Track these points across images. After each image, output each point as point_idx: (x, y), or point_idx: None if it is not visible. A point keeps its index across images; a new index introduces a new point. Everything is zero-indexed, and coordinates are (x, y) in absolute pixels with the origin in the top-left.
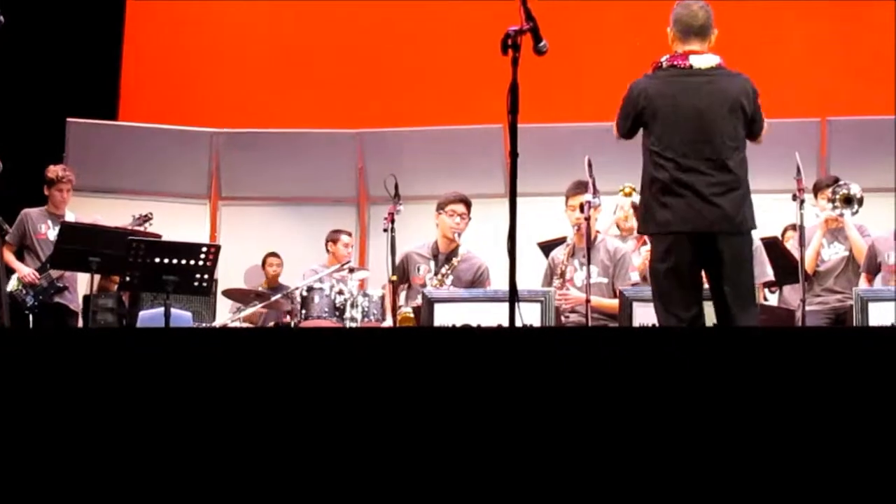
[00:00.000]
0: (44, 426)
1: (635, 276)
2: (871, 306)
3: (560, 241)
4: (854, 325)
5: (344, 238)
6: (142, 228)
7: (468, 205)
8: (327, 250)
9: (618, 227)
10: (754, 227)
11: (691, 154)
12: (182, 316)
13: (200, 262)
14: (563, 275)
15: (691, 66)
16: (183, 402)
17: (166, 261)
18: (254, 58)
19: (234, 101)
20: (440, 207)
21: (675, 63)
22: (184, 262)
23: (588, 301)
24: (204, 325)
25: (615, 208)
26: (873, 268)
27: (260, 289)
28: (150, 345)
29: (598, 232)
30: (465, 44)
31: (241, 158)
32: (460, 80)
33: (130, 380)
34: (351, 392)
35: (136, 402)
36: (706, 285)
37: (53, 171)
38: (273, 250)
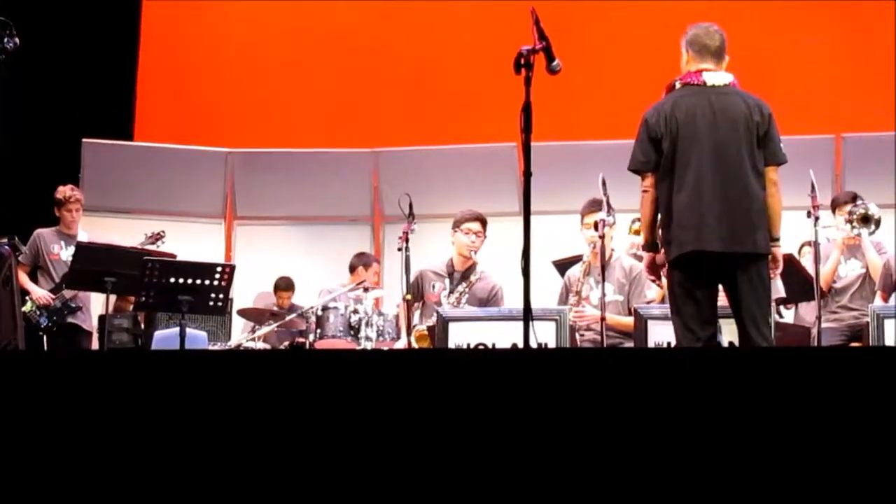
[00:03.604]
0: (61, 447)
1: (651, 294)
2: (887, 323)
3: (575, 260)
4: (870, 341)
5: (375, 266)
6: (154, 247)
7: (484, 223)
8: (351, 271)
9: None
10: (768, 250)
11: (708, 174)
12: (197, 336)
13: (215, 282)
14: (578, 293)
15: (705, 83)
16: (197, 423)
17: (181, 281)
18: (269, 78)
19: (249, 121)
20: (456, 225)
21: (689, 81)
22: (199, 281)
23: (603, 319)
24: (219, 344)
25: (629, 246)
26: (889, 285)
27: (275, 308)
28: (165, 367)
29: (613, 250)
30: (479, 63)
31: (256, 178)
32: (474, 99)
33: (145, 402)
34: (366, 414)
35: (151, 424)
36: (723, 303)
37: (62, 191)
38: (286, 276)
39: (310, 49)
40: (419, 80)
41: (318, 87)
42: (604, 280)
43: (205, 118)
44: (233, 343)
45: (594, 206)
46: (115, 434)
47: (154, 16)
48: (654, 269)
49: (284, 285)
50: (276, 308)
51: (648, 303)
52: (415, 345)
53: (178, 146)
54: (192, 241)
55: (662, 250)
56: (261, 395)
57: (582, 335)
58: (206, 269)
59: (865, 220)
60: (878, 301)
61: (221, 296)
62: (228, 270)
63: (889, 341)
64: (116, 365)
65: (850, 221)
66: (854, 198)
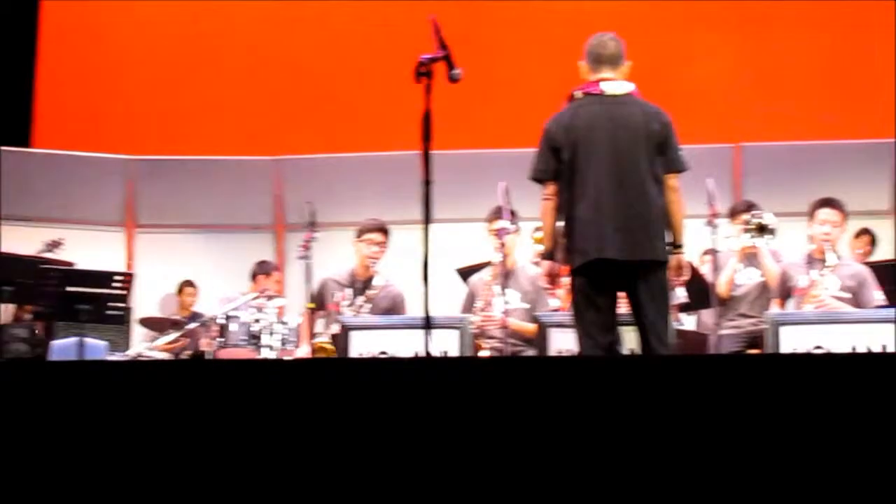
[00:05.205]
0: None
1: (555, 303)
2: (783, 330)
3: (479, 267)
4: (766, 348)
5: (276, 274)
6: (52, 254)
7: (386, 233)
8: (252, 280)
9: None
10: (667, 258)
11: (608, 183)
12: (96, 346)
13: (114, 291)
14: (487, 298)
15: (603, 93)
16: (93, 435)
17: (79, 289)
18: (170, 85)
19: (150, 127)
20: (358, 235)
21: (588, 91)
22: (97, 290)
23: (504, 326)
24: (117, 354)
25: (532, 255)
26: (785, 292)
27: (176, 317)
28: (62, 378)
29: (516, 259)
30: (382, 70)
31: (158, 186)
32: (377, 107)
33: (42, 413)
34: (266, 423)
35: (46, 436)
36: (624, 311)
37: None
38: (189, 278)
39: (211, 55)
40: (322, 88)
41: (220, 94)
42: (505, 287)
43: (105, 125)
44: (132, 353)
45: (498, 213)
46: (10, 446)
47: (53, 19)
48: (551, 277)
49: (186, 283)
50: (178, 315)
51: (555, 311)
52: None
53: (78, 153)
54: (92, 249)
55: (560, 258)
56: (161, 405)
57: (487, 342)
58: (103, 278)
59: (762, 229)
60: (774, 308)
61: (120, 304)
62: (127, 279)
63: (784, 348)
64: (12, 376)
65: (748, 231)
66: (749, 206)
